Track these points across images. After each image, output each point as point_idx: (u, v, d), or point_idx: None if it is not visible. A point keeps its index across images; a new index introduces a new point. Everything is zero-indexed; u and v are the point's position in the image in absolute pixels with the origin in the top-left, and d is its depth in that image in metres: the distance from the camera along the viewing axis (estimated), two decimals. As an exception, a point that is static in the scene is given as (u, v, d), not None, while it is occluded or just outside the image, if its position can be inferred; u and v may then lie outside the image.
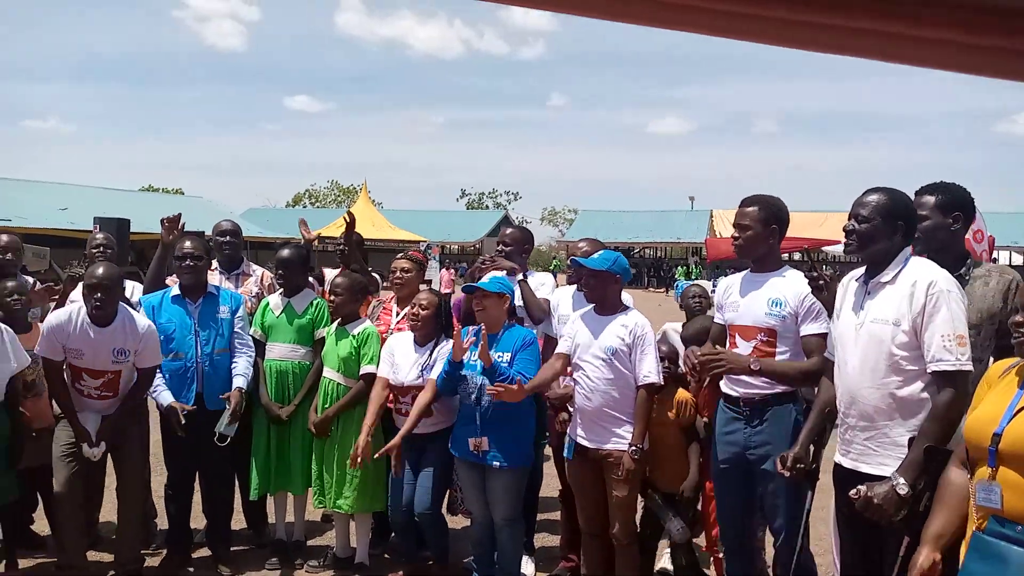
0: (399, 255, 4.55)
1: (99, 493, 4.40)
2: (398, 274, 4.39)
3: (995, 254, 23.60)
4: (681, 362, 3.71)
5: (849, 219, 2.79)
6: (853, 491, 2.58)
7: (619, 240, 44.08)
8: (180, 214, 4.46)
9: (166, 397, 4.06)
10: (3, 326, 3.84)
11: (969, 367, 2.55)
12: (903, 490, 2.46)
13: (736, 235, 3.40)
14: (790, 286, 3.30)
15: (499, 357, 3.75)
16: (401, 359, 4.08)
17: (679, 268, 36.33)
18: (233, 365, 4.22)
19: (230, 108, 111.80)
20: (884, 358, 2.66)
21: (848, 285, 2.89)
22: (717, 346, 3.41)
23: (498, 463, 3.75)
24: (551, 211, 70.95)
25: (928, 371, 2.58)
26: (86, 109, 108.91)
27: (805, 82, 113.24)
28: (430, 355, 4.02)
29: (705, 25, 1.16)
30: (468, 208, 66.03)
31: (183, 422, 4.01)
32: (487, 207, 66.42)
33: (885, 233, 2.71)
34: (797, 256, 21.92)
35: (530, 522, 4.44)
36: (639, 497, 3.79)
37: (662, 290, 34.31)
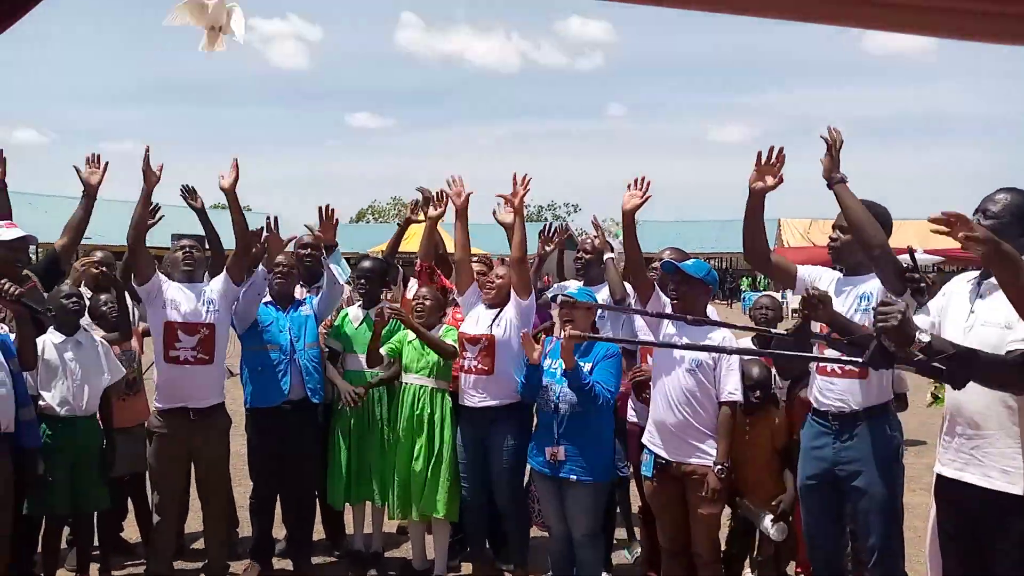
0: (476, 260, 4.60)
1: (185, 504, 4.52)
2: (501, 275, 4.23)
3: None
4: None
5: (975, 214, 2.66)
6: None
7: (683, 250, 43.46)
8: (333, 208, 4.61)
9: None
10: (99, 339, 4.01)
11: None
12: None
13: (834, 236, 3.33)
14: (877, 283, 3.19)
15: (580, 367, 3.70)
16: (472, 316, 4.19)
17: (744, 279, 35.60)
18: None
19: (295, 126, 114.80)
20: None
21: (955, 288, 2.76)
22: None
23: (575, 476, 3.70)
24: (612, 222, 70.58)
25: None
26: (159, 131, 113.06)
27: (872, 86, 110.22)
28: (498, 314, 4.10)
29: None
30: (528, 221, 66.10)
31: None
32: (546, 220, 66.44)
33: (1011, 233, 2.59)
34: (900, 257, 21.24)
35: (608, 538, 4.39)
36: (723, 512, 3.71)
37: (726, 303, 33.69)
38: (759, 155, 3.22)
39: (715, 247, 42.54)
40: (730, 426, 3.49)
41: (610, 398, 3.71)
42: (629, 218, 3.72)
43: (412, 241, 5.37)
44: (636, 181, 3.72)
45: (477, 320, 4.15)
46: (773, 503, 3.69)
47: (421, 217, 4.78)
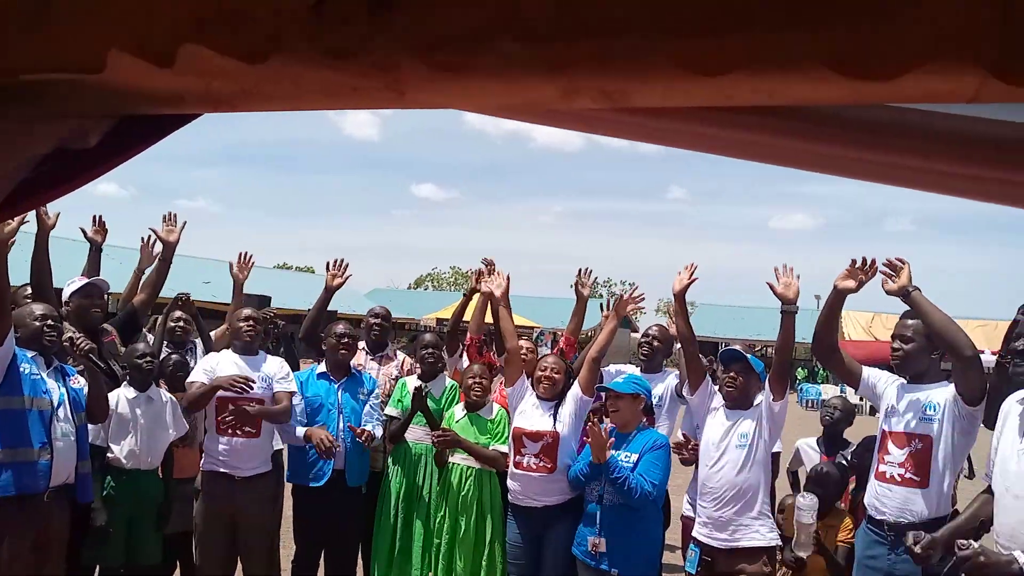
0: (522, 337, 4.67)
1: (233, 566, 4.58)
2: (524, 353, 4.37)
3: None
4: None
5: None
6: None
7: (740, 336, 42.75)
8: (348, 263, 4.78)
9: (301, 430, 4.25)
10: (168, 394, 4.18)
11: None
12: None
13: (897, 346, 3.32)
14: (945, 393, 3.17)
15: (626, 458, 3.70)
16: (529, 409, 4.06)
17: (800, 369, 34.73)
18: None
19: (363, 194, 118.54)
20: None
21: (1011, 407, 2.74)
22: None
23: (616, 570, 3.64)
24: (666, 302, 70.19)
25: None
26: (233, 192, 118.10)
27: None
28: (556, 410, 4.00)
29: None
30: (583, 297, 66.12)
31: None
32: (600, 296, 66.48)
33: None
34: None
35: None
36: None
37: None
38: (853, 261, 3.34)
39: (773, 335, 41.79)
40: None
41: (651, 491, 3.63)
42: (680, 299, 3.87)
43: (467, 310, 5.45)
44: (686, 267, 3.90)
45: (535, 414, 4.03)
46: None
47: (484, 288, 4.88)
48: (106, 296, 4.33)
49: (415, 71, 0.78)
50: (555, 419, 3.97)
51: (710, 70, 0.69)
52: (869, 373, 3.47)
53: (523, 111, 0.92)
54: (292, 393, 4.25)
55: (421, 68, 0.78)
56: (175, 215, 4.57)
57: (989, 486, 2.81)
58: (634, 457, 3.71)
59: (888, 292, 3.21)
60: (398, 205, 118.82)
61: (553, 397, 4.04)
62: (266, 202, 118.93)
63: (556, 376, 4.02)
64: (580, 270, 4.69)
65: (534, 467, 3.92)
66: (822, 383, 27.64)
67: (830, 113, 0.91)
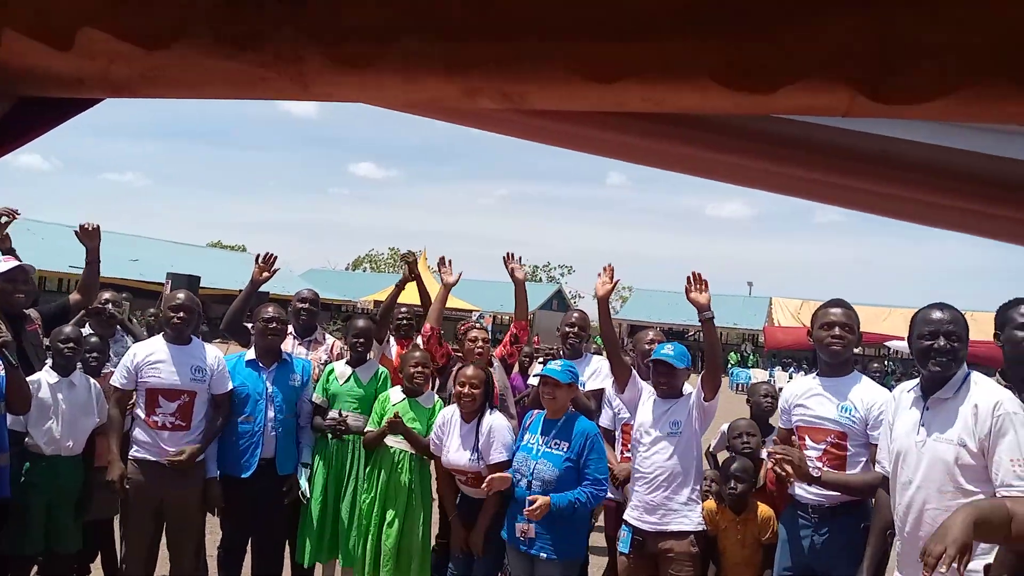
0: (474, 325, 4.68)
1: (156, 549, 4.49)
2: (480, 345, 4.44)
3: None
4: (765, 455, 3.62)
5: (936, 337, 2.73)
6: None
7: (674, 321, 43.63)
8: (275, 256, 4.71)
9: (213, 468, 4.16)
10: (93, 381, 4.05)
11: None
12: None
13: (840, 335, 3.37)
14: (859, 393, 3.30)
15: (556, 444, 3.75)
16: (449, 439, 4.06)
17: (732, 354, 35.71)
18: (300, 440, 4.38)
19: (299, 171, 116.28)
20: (949, 479, 2.61)
21: (901, 398, 2.86)
22: (789, 448, 3.33)
23: (546, 554, 3.68)
24: (622, 287, 71.26)
25: (998, 496, 2.54)
26: (164, 167, 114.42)
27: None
28: (476, 437, 3.98)
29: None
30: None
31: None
32: (540, 280, 66.88)
33: (965, 352, 2.71)
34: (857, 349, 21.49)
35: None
36: None
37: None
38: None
39: (705, 320, 42.76)
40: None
41: (604, 496, 3.76)
42: (603, 303, 3.98)
43: (406, 293, 5.42)
44: (605, 269, 4.02)
45: (455, 446, 4.03)
46: None
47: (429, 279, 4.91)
48: (33, 280, 4.17)
49: (319, 64, 0.78)
50: (476, 450, 3.97)
51: (602, 77, 0.71)
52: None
53: (428, 108, 0.92)
54: (230, 392, 4.17)
55: (325, 61, 0.78)
56: (97, 226, 4.35)
57: (885, 479, 2.93)
58: (565, 445, 3.75)
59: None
60: (335, 183, 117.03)
61: (472, 415, 4.04)
62: (198, 177, 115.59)
63: (475, 391, 4.01)
64: (507, 254, 4.73)
65: (465, 483, 4.04)
66: (752, 367, 28.48)
67: (735, 124, 0.94)
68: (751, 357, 34.38)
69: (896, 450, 2.81)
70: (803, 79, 0.65)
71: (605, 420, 4.26)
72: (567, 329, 4.68)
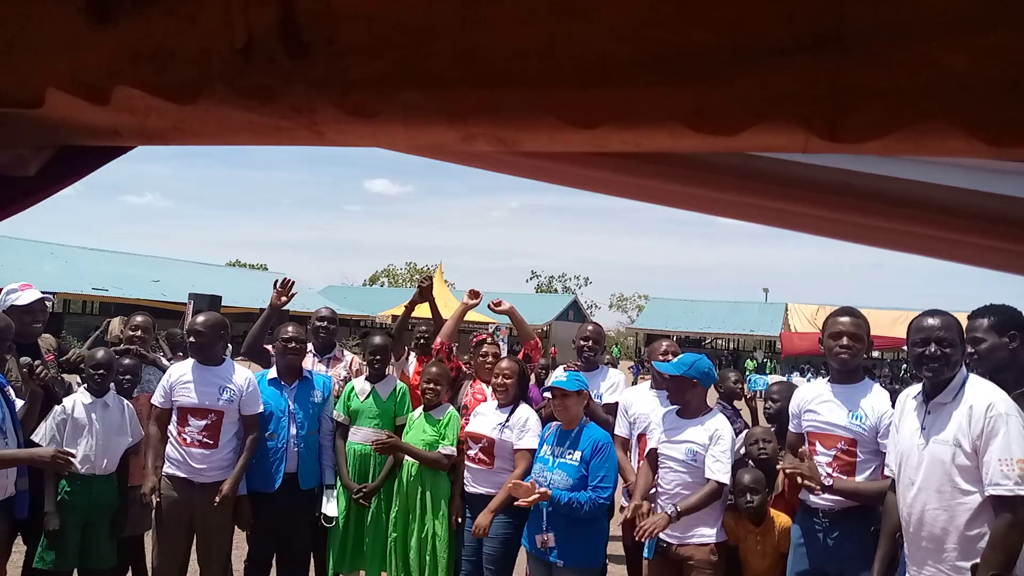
0: (486, 339, 4.77)
1: (186, 563, 4.59)
2: (490, 360, 4.52)
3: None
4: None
5: (928, 344, 2.80)
6: None
7: (691, 329, 43.60)
8: (293, 281, 4.83)
9: (242, 486, 4.26)
10: (126, 402, 4.19)
11: None
12: None
13: (849, 344, 3.40)
14: (870, 401, 3.34)
15: (570, 454, 3.83)
16: (482, 416, 4.25)
17: (749, 361, 35.52)
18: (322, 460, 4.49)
19: (316, 189, 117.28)
20: (947, 480, 2.68)
21: (906, 403, 2.92)
22: (802, 459, 3.38)
23: (564, 562, 3.76)
24: (620, 297, 71.20)
25: (986, 495, 2.59)
26: (183, 187, 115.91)
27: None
28: (508, 416, 4.15)
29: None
30: (537, 291, 66.65)
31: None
32: (556, 291, 66.91)
33: (1000, 347, 2.77)
34: (876, 354, 21.34)
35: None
36: None
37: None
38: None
39: (723, 328, 42.74)
40: (706, 498, 3.56)
41: (607, 500, 3.79)
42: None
43: (423, 306, 5.52)
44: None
45: (486, 421, 4.21)
46: None
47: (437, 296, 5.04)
48: (47, 308, 4.32)
49: (330, 114, 0.87)
50: (504, 425, 4.12)
51: (584, 123, 0.79)
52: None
53: (433, 152, 1.01)
54: (259, 414, 4.27)
55: (336, 112, 0.86)
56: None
57: (892, 482, 2.98)
58: (578, 455, 3.82)
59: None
60: (350, 200, 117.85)
61: (506, 403, 4.19)
62: (217, 197, 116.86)
63: (508, 381, 4.18)
64: (490, 304, 4.98)
65: (476, 459, 4.16)
66: (770, 373, 28.29)
67: (711, 160, 1.02)
68: (768, 364, 34.16)
69: (900, 453, 2.88)
70: (761, 122, 0.73)
71: (622, 430, 4.31)
72: (581, 342, 4.75)
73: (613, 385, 4.62)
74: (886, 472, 3.07)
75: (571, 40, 0.80)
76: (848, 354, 3.40)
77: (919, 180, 0.85)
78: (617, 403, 4.42)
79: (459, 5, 0.84)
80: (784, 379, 6.33)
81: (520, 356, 4.79)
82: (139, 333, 4.86)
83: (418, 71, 0.84)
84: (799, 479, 3.21)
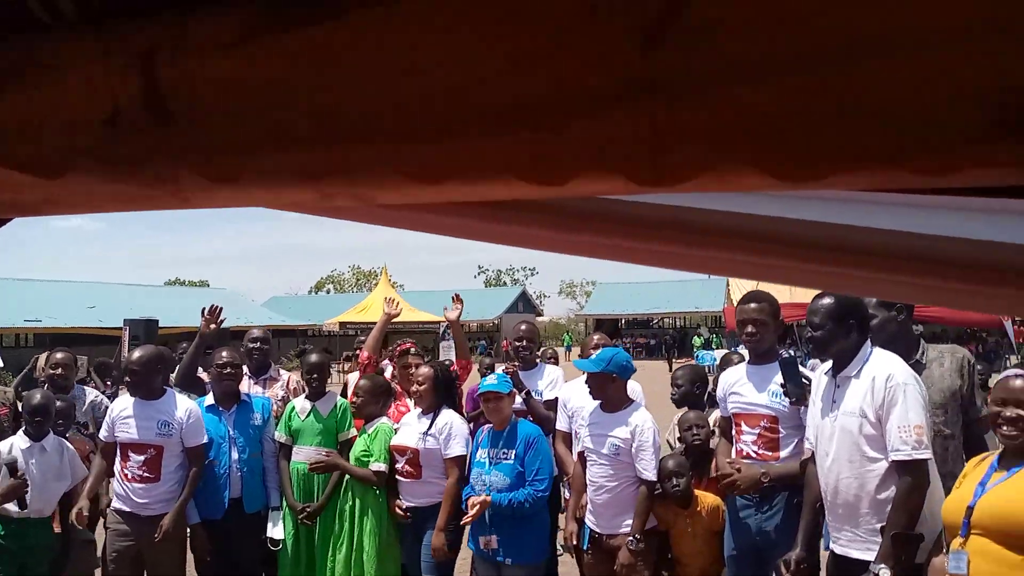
0: (409, 349, 4.79)
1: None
2: (421, 380, 4.25)
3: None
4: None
5: (807, 327, 3.02)
6: None
7: (638, 311, 44.21)
8: (220, 307, 4.78)
9: (194, 515, 4.25)
10: (67, 444, 4.12)
11: (925, 455, 2.73)
12: (885, 574, 2.60)
13: (753, 331, 3.53)
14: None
15: (505, 454, 3.91)
16: (406, 427, 4.24)
17: (696, 338, 36.25)
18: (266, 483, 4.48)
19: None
20: (856, 449, 2.84)
21: (820, 379, 3.09)
22: (730, 463, 3.51)
23: (511, 560, 3.85)
24: (569, 284, 71.73)
25: (889, 460, 2.76)
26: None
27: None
28: (431, 423, 4.11)
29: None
30: (486, 286, 66.74)
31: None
32: (505, 284, 67.09)
33: (839, 335, 2.93)
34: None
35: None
36: None
37: (685, 359, 34.26)
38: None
39: (669, 307, 43.46)
40: (645, 505, 3.67)
41: (545, 492, 3.87)
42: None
43: (368, 312, 5.54)
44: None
45: (409, 431, 4.18)
46: None
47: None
48: None
49: (193, 181, 0.90)
50: (427, 433, 4.10)
51: (430, 178, 0.85)
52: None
53: (300, 208, 1.05)
54: (204, 444, 4.23)
55: (199, 179, 0.90)
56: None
57: (813, 455, 3.13)
58: (512, 453, 3.90)
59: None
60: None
61: (428, 409, 4.18)
62: (151, 216, 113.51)
63: (422, 387, 4.16)
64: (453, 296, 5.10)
65: (404, 472, 4.15)
66: (716, 348, 28.88)
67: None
68: (715, 338, 34.90)
69: (815, 426, 3.03)
70: (585, 170, 0.80)
71: (562, 424, 4.40)
72: (516, 343, 4.82)
73: (552, 382, 4.71)
74: (806, 446, 3.21)
75: (416, 98, 0.85)
76: (753, 341, 3.54)
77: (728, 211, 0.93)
78: (557, 399, 4.50)
79: (314, 67, 0.88)
80: (733, 351, 6.43)
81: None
82: (59, 371, 4.79)
83: (276, 134, 0.89)
84: (734, 490, 3.36)
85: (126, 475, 4.10)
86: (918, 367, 3.17)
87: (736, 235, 0.94)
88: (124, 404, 4.19)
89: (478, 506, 3.73)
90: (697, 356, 27.94)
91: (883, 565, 2.64)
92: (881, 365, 2.87)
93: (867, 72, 0.66)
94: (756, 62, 0.72)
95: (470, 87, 0.82)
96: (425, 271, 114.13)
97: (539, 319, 54.86)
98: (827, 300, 3.00)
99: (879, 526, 2.78)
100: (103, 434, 4.19)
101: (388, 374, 5.00)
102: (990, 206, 0.84)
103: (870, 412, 2.81)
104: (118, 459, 4.14)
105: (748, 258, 1.05)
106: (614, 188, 0.81)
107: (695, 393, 4.33)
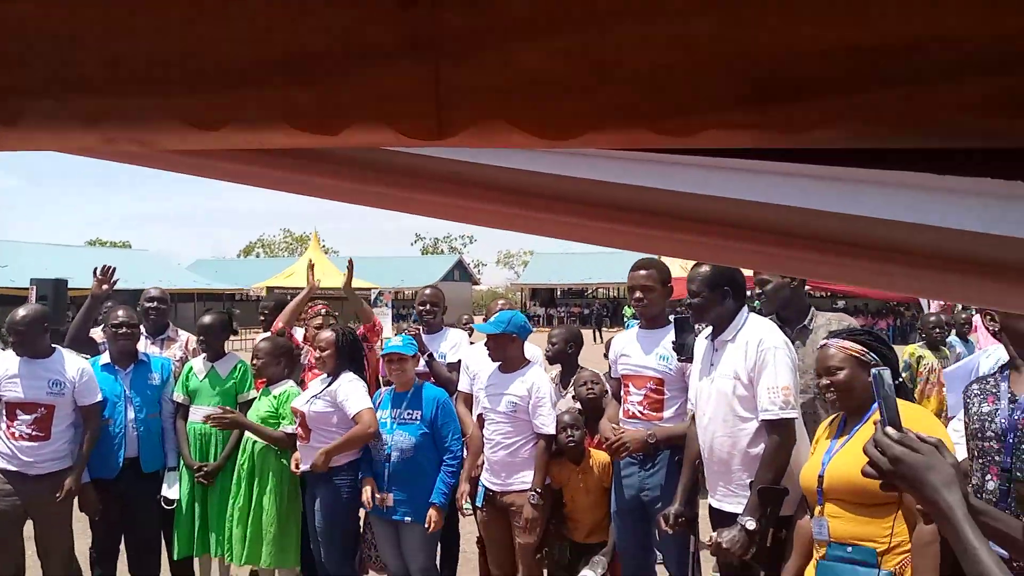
0: (319, 312, 4.76)
1: (22, 557, 4.45)
2: (324, 356, 4.17)
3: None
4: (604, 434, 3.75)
5: (691, 296, 3.16)
6: (706, 538, 2.90)
7: (572, 281, 44.69)
8: (114, 268, 4.70)
9: (85, 474, 4.18)
10: None
11: (791, 415, 2.89)
12: (751, 525, 2.76)
13: (640, 297, 3.62)
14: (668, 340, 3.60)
15: (409, 415, 3.97)
16: (305, 393, 4.23)
17: (627, 308, 36.87)
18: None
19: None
20: (729, 410, 2.99)
21: (701, 344, 3.23)
22: (614, 428, 3.62)
23: (409, 518, 3.92)
24: (506, 254, 71.94)
25: (759, 420, 2.92)
26: (32, 163, 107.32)
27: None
28: (325, 387, 4.10)
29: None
30: (423, 253, 66.35)
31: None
32: (442, 251, 66.80)
33: (715, 300, 3.07)
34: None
35: (452, 569, 4.62)
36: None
37: (616, 329, 34.86)
38: None
39: (604, 277, 44.06)
40: (543, 458, 3.79)
41: (460, 453, 3.98)
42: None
43: (295, 277, 5.49)
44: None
45: (307, 392, 4.19)
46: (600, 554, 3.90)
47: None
48: None
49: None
50: (316, 396, 4.10)
51: (208, 125, 0.88)
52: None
53: (90, 153, 1.06)
54: (98, 403, 4.15)
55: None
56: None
57: (693, 415, 3.28)
58: (417, 414, 3.97)
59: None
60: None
61: (332, 373, 4.16)
62: (73, 172, 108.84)
63: (324, 352, 4.15)
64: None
65: (299, 437, 4.13)
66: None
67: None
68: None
69: (695, 388, 3.18)
70: (361, 121, 0.84)
71: (464, 386, 4.46)
72: (420, 307, 4.85)
73: (455, 345, 4.77)
74: (688, 407, 3.36)
75: (199, 46, 0.88)
76: (641, 306, 3.66)
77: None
78: (460, 361, 4.57)
79: (102, 14, 0.89)
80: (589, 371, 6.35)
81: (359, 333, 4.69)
82: None
83: (60, 79, 0.90)
84: (622, 453, 3.48)
85: (12, 434, 4.00)
86: (806, 332, 3.35)
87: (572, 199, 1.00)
88: (8, 363, 4.07)
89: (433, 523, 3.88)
90: (627, 325, 28.44)
91: (749, 517, 2.81)
92: (754, 330, 3.01)
93: (625, 37, 0.70)
94: (529, 23, 0.77)
95: (251, 38, 0.85)
96: (360, 237, 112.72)
97: (476, 288, 54.91)
98: (704, 268, 3.14)
99: (749, 481, 2.94)
100: None
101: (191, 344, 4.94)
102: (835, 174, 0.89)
103: (743, 374, 2.96)
104: (3, 418, 4.04)
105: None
106: (389, 140, 0.86)
107: (567, 352, 4.40)
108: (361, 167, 1.04)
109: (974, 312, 6.84)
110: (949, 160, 0.81)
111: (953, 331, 7.15)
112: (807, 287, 3.51)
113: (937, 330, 6.54)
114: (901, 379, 2.52)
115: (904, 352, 6.34)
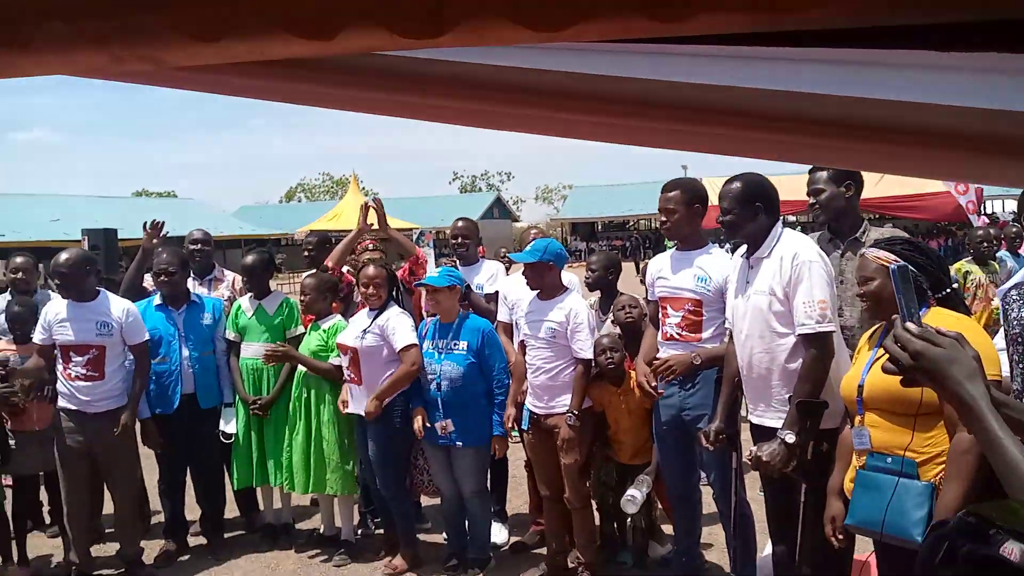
0: (368, 248, 4.80)
1: (100, 493, 4.72)
2: (372, 291, 4.23)
3: (988, 205, 23.74)
4: (640, 382, 3.79)
5: (724, 212, 3.11)
6: (747, 454, 2.91)
7: (613, 214, 44.25)
8: (163, 221, 4.84)
9: (146, 409, 4.39)
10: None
11: (828, 329, 2.86)
12: (790, 439, 2.77)
13: (664, 220, 3.63)
14: (713, 264, 3.57)
15: (455, 345, 4.05)
16: (351, 327, 4.32)
17: (668, 241, 36.37)
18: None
19: (212, 105, 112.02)
20: (766, 326, 2.98)
21: (737, 262, 3.20)
22: (659, 356, 3.64)
23: (462, 443, 4.05)
24: (545, 189, 71.25)
25: (795, 335, 2.90)
26: (75, 119, 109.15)
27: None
28: (372, 321, 4.18)
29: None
30: (461, 192, 66.13)
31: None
32: (480, 189, 66.47)
33: (748, 217, 3.01)
34: (792, 218, 22.11)
35: (502, 491, 4.78)
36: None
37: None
38: None
39: (644, 209, 43.44)
40: (581, 381, 3.84)
41: (507, 382, 4.07)
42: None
43: (341, 219, 5.47)
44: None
45: (354, 329, 4.26)
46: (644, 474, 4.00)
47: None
48: None
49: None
50: (367, 331, 4.18)
51: (206, 37, 0.90)
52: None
53: (95, 74, 1.09)
54: (145, 342, 4.28)
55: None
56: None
57: (731, 334, 3.27)
58: (463, 344, 4.04)
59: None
60: (253, 114, 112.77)
61: (379, 308, 4.23)
62: (114, 126, 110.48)
63: (370, 290, 4.21)
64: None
65: (349, 378, 4.26)
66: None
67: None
68: (668, 244, 34.98)
69: (732, 307, 3.16)
70: (352, 23, 0.85)
71: (503, 316, 4.51)
72: (453, 240, 4.87)
73: (492, 276, 4.81)
74: (727, 326, 3.35)
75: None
76: (665, 228, 3.66)
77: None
78: (497, 292, 4.61)
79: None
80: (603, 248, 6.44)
81: (405, 268, 4.73)
82: (20, 275, 4.81)
83: (69, 2, 0.93)
84: (670, 374, 3.49)
85: (69, 375, 4.17)
86: (857, 244, 3.29)
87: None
88: (58, 307, 4.22)
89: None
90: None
91: (788, 430, 2.82)
92: (789, 245, 2.97)
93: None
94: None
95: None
96: (398, 178, 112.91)
97: (516, 225, 54.63)
98: (735, 184, 3.09)
99: (788, 396, 2.94)
100: (39, 337, 4.21)
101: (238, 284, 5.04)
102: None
103: (779, 290, 2.94)
104: (59, 361, 4.21)
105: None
106: (385, 42, 0.86)
107: (608, 279, 4.43)
108: (366, 74, 1.06)
109: (1025, 225, 6.60)
110: (949, 37, 0.78)
111: (1004, 245, 6.93)
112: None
113: (984, 244, 6.34)
114: (950, 290, 2.46)
115: (952, 269, 6.19)
